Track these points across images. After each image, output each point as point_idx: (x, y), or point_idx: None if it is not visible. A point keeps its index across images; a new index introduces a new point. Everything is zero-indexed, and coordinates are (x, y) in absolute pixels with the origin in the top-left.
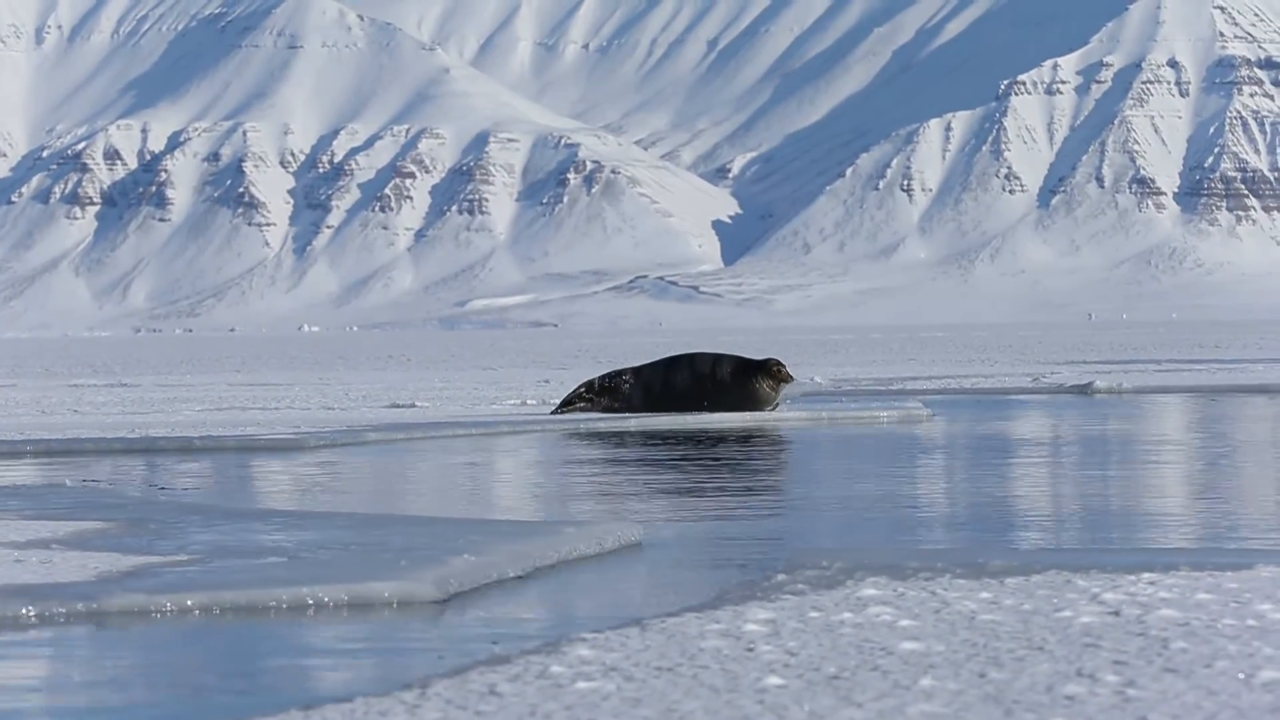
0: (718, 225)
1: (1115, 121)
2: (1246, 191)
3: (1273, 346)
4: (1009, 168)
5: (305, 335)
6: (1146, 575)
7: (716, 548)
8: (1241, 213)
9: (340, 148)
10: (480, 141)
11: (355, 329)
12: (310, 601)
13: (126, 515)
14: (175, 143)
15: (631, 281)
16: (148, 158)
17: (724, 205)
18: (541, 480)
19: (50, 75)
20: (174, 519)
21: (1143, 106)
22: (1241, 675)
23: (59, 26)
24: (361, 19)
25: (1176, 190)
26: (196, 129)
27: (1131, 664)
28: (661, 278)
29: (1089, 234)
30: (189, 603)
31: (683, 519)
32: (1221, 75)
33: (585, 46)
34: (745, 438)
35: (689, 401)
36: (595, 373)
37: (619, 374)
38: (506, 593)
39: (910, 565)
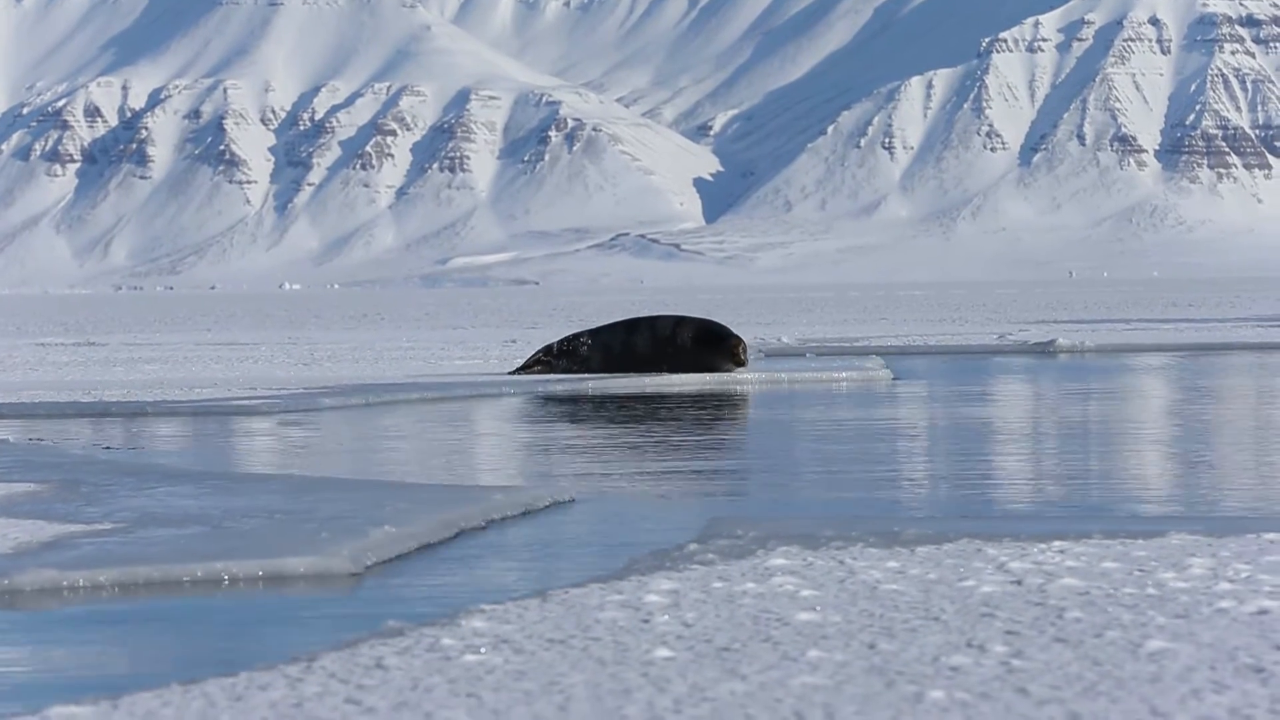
0: (699, 183)
1: (1096, 79)
2: (1228, 149)
3: (1247, 305)
4: (990, 125)
5: (285, 293)
6: (1057, 543)
7: (644, 513)
8: (1223, 170)
9: (321, 105)
10: (461, 99)
11: (336, 287)
12: (225, 577)
13: (61, 477)
14: (156, 100)
15: (613, 239)
16: (128, 115)
17: (705, 163)
18: (485, 443)
19: (30, 32)
20: (108, 481)
21: (1124, 64)
22: (1129, 645)
23: None
24: None
25: (1158, 148)
26: (177, 86)
27: (1023, 634)
28: (643, 235)
29: (1070, 192)
30: (101, 579)
31: (618, 482)
32: (1203, 33)
33: (566, 4)
34: (697, 397)
35: (648, 364)
36: (565, 332)
37: (577, 337)
38: (424, 563)
39: (824, 534)
